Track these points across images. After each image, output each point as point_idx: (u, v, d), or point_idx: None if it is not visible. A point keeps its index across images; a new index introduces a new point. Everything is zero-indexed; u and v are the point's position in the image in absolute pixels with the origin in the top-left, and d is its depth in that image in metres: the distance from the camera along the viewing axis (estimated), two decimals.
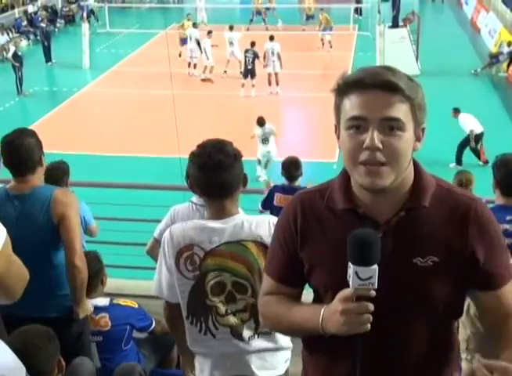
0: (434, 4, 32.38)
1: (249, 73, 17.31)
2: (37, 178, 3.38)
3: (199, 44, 19.37)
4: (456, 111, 12.63)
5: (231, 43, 19.31)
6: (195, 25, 20.44)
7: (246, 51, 17.61)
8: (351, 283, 1.60)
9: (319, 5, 25.39)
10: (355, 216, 1.77)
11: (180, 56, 20.26)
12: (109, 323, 3.65)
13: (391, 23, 23.13)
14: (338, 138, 1.75)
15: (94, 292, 3.69)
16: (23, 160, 3.29)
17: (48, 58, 21.44)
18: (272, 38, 17.82)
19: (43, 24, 22.54)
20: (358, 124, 1.66)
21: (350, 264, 1.60)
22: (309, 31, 23.47)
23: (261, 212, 6.21)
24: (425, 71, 17.64)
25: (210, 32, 19.27)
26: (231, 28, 19.80)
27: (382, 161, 1.65)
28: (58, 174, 4.80)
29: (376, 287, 1.59)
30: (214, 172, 2.50)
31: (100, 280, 3.75)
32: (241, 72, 18.00)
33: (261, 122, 11.90)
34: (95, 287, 3.69)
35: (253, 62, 17.25)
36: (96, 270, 3.68)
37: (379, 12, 22.54)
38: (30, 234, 3.26)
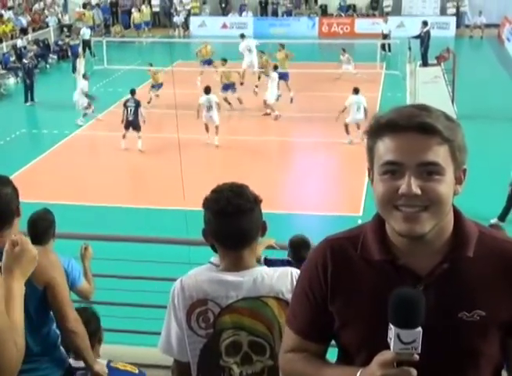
0: (472, 40, 32.74)
1: (130, 125, 16.81)
2: (14, 232, 3.36)
3: None
4: None
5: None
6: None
7: (127, 100, 17.14)
8: (392, 347, 1.63)
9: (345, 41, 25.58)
10: (393, 268, 1.82)
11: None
12: None
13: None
14: (372, 181, 1.83)
15: None
16: (0, 211, 3.31)
17: (27, 97, 21.78)
18: (207, 90, 17.15)
19: (25, 60, 22.97)
20: (393, 170, 1.74)
21: (391, 326, 1.63)
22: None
23: None
24: (462, 115, 17.74)
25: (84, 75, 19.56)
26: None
27: (421, 206, 1.72)
28: (44, 225, 4.78)
29: (419, 351, 1.61)
30: (233, 218, 2.54)
31: (98, 339, 3.82)
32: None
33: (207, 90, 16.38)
34: (92, 347, 3.73)
35: (135, 112, 16.78)
36: (94, 329, 3.75)
37: (409, 48, 22.89)
38: None
